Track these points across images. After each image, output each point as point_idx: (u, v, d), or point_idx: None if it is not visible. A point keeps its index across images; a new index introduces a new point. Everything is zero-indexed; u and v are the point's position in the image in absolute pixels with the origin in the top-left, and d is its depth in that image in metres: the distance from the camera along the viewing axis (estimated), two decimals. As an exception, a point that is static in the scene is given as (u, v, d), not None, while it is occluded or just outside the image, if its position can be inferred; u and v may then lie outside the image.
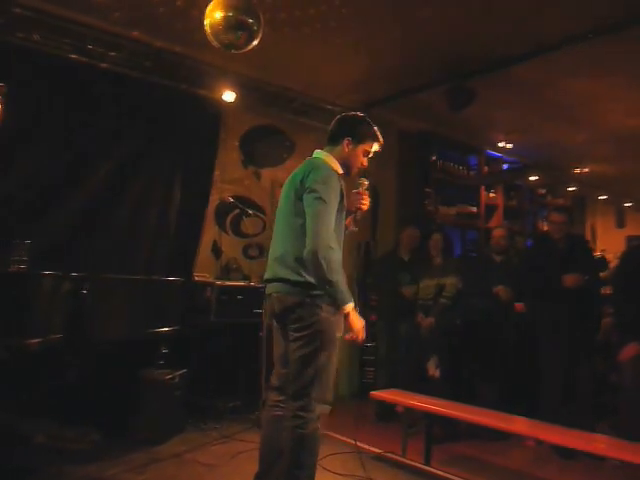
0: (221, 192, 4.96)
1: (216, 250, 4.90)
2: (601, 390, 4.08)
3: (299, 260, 2.40)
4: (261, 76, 4.76)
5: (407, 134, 6.06)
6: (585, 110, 5.40)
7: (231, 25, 2.95)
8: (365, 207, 2.69)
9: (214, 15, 2.94)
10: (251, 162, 5.29)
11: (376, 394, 3.77)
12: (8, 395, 3.22)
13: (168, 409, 3.79)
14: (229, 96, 4.59)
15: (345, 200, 2.56)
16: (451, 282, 4.53)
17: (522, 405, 3.73)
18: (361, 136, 2.63)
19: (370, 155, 2.69)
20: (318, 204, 2.37)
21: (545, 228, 4.26)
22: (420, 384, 4.14)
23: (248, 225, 5.00)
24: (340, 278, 2.34)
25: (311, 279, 2.37)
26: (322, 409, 2.44)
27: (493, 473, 3.44)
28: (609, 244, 8.34)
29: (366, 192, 2.69)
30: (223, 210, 4.99)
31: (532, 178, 7.68)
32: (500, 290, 4.30)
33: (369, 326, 5.07)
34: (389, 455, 3.59)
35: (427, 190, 6.17)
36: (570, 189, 8.57)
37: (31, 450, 3.29)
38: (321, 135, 5.22)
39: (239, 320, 4.37)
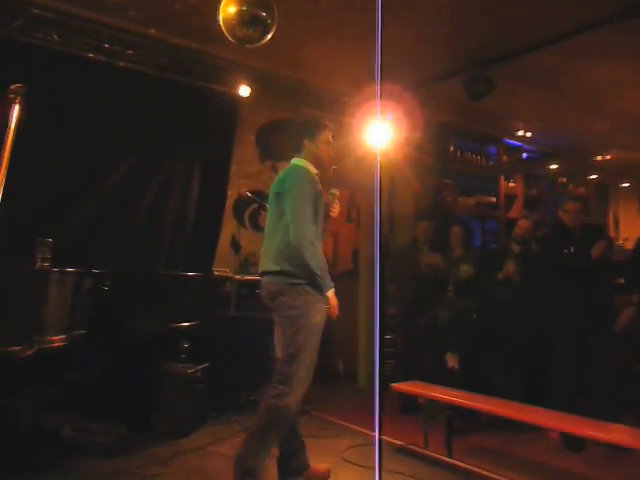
0: (239, 187, 4.98)
1: (235, 245, 4.93)
2: (627, 382, 4.03)
3: (279, 253, 2.78)
4: (276, 70, 4.76)
5: (425, 125, 6.00)
6: (606, 97, 5.30)
7: (245, 19, 2.96)
8: (334, 215, 3.04)
9: (228, 10, 2.95)
10: (268, 156, 5.29)
11: (397, 386, 3.76)
12: (35, 390, 3.29)
13: (190, 402, 3.83)
14: (244, 91, 4.60)
15: (320, 199, 2.86)
16: (463, 269, 4.51)
17: (543, 396, 3.70)
18: (313, 132, 2.99)
19: (331, 141, 3.03)
20: (296, 205, 2.74)
21: (561, 217, 4.22)
22: (440, 376, 4.12)
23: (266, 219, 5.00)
24: (322, 267, 2.73)
25: (290, 269, 2.73)
26: (299, 389, 2.68)
27: (515, 465, 3.41)
28: (632, 232, 8.18)
29: (336, 202, 3.05)
30: (241, 205, 5.01)
31: (552, 167, 7.56)
32: (508, 266, 4.27)
33: (388, 319, 5.11)
34: (411, 447, 3.58)
35: (446, 181, 6.12)
36: (592, 177, 8.43)
37: (58, 443, 3.36)
38: (337, 127, 5.28)
39: (258, 314, 4.39)
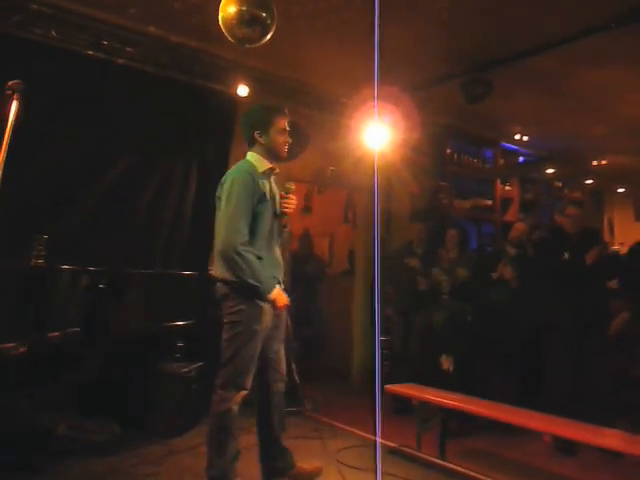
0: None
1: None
2: (621, 387, 4.04)
3: (218, 260, 2.66)
4: (275, 70, 4.76)
5: (422, 127, 6.01)
6: (603, 101, 5.31)
7: (245, 19, 2.96)
8: (289, 210, 2.82)
9: (228, 10, 2.95)
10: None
11: (391, 388, 3.77)
12: (31, 388, 3.28)
13: (184, 402, 3.83)
14: (243, 90, 4.59)
15: (269, 196, 2.72)
16: (460, 273, 4.53)
17: (538, 399, 3.71)
18: (264, 122, 2.76)
19: (287, 129, 2.81)
20: (227, 212, 2.60)
21: (560, 221, 4.24)
22: (434, 378, 4.13)
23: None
24: (255, 275, 2.57)
25: (230, 276, 2.61)
26: (237, 393, 2.64)
27: (508, 468, 3.43)
28: (627, 238, 8.21)
29: (292, 196, 2.84)
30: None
31: (549, 171, 7.59)
32: (501, 269, 4.29)
33: (385, 320, 5.12)
34: (404, 449, 3.58)
35: (442, 183, 6.13)
36: (587, 182, 8.46)
37: (53, 441, 3.34)
38: (335, 128, 5.29)
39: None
